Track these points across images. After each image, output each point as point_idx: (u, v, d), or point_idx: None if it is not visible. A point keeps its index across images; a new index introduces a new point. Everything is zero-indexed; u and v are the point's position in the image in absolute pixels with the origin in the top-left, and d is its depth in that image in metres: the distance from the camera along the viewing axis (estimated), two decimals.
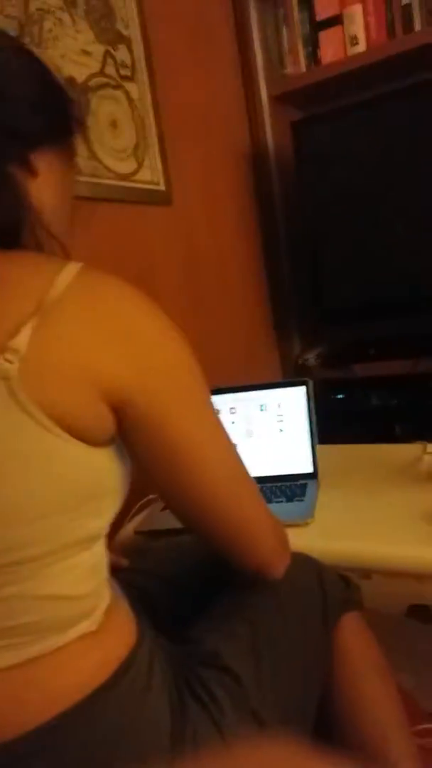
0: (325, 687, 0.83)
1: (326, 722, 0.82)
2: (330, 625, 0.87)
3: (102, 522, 0.63)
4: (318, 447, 1.34)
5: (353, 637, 0.88)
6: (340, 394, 2.35)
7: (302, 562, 0.92)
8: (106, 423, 0.59)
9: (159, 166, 1.90)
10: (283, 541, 0.79)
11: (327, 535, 1.11)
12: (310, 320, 2.46)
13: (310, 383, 1.36)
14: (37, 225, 0.63)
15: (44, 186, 0.66)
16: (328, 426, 1.69)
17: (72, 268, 0.58)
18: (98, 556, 0.64)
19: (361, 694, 0.83)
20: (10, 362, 0.53)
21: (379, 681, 0.86)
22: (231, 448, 0.71)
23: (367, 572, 1.07)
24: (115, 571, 0.73)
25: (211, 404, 0.69)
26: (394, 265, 2.21)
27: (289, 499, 1.24)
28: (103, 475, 0.61)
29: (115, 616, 0.66)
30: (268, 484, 1.32)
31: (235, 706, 0.66)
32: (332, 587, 0.90)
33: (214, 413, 0.70)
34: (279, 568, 0.77)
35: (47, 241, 0.65)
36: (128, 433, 0.62)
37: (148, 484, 1.44)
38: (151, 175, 1.86)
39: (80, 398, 0.56)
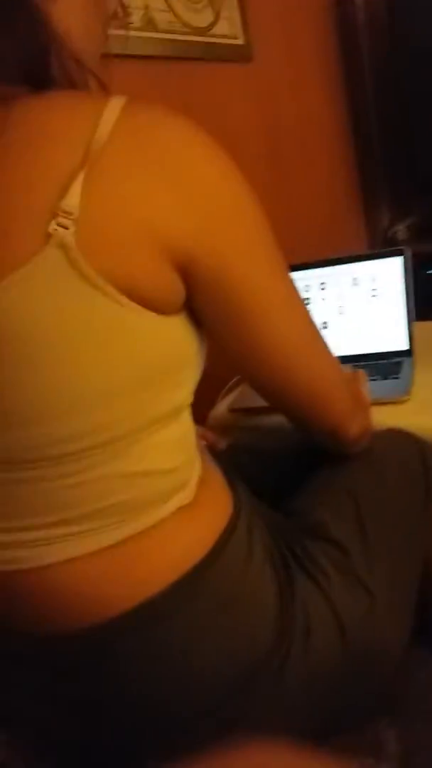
0: (427, 563, 0.80)
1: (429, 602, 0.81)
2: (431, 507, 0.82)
3: (185, 393, 0.60)
4: (418, 325, 1.26)
5: None
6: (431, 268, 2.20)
7: (402, 438, 0.88)
8: (175, 286, 0.55)
9: (238, 17, 1.72)
10: (359, 401, 0.76)
11: (425, 411, 1.07)
12: (402, 189, 2.28)
13: (408, 253, 1.26)
14: (64, 56, 0.55)
15: (69, 7, 0.57)
16: (422, 303, 1.59)
17: (115, 105, 0.50)
18: (185, 426, 0.62)
19: None
20: (66, 227, 0.47)
21: None
22: (301, 305, 0.65)
23: None
24: (215, 451, 0.71)
25: (280, 260, 0.62)
26: None
27: (384, 377, 1.18)
28: (180, 344, 0.57)
29: (210, 487, 0.64)
30: (362, 363, 1.27)
31: (343, 577, 0.64)
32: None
33: (284, 269, 0.63)
34: (354, 428, 0.74)
35: (79, 75, 0.57)
36: (196, 295, 0.57)
37: None
38: (229, 28, 1.69)
39: (143, 261, 0.51)
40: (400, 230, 2.23)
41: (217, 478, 0.67)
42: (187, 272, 0.54)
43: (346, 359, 1.29)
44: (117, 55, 1.38)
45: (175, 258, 0.53)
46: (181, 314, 0.57)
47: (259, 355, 0.62)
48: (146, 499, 0.57)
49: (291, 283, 0.63)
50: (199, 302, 0.57)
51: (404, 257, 1.27)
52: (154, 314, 0.53)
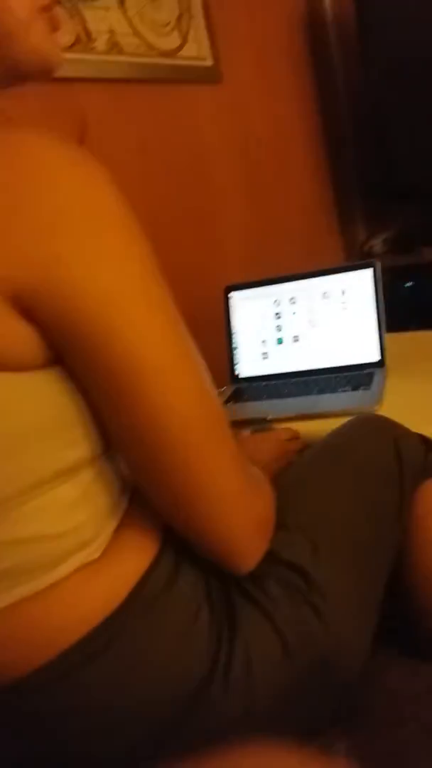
0: (399, 559, 0.76)
1: (402, 597, 0.79)
2: (406, 497, 0.78)
3: (81, 451, 0.54)
4: (386, 335, 1.27)
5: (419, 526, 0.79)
6: (409, 281, 2.22)
7: (377, 428, 0.85)
8: (28, 337, 0.48)
9: (206, 39, 1.74)
10: (262, 524, 0.60)
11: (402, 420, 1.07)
12: (376, 203, 2.30)
13: (378, 265, 1.27)
14: None
15: None
16: (397, 315, 1.59)
17: None
18: (86, 484, 0.55)
19: None
20: None
21: None
22: (201, 375, 0.54)
23: None
24: None
25: (173, 310, 0.52)
26: None
27: (355, 388, 1.18)
28: (55, 401, 0.51)
29: (129, 536, 0.58)
30: (333, 375, 1.27)
31: (291, 598, 0.60)
32: (409, 454, 0.81)
33: (178, 324, 0.53)
34: (248, 560, 0.59)
35: None
36: (59, 347, 0.49)
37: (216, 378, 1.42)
38: (197, 50, 1.72)
39: None
40: (377, 244, 2.24)
41: (140, 523, 0.60)
42: (39, 318, 0.48)
43: (317, 372, 1.29)
44: (83, 79, 1.40)
45: (22, 301, 0.47)
46: (54, 368, 0.51)
47: (133, 434, 0.53)
48: (38, 563, 0.53)
49: (191, 349, 0.53)
50: (66, 352, 0.50)
51: (374, 269, 1.27)
52: (9, 373, 0.48)
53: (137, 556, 0.57)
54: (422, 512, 0.79)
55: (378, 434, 0.83)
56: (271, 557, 0.61)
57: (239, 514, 0.57)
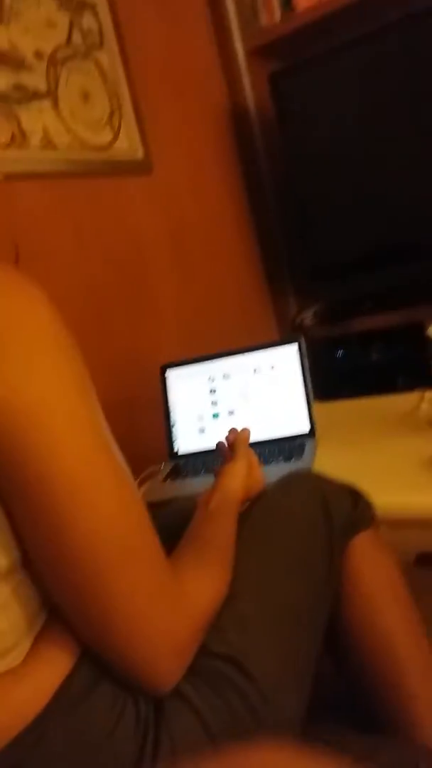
0: (334, 617, 0.78)
1: (338, 655, 0.79)
2: (337, 554, 0.80)
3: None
4: (320, 405, 1.34)
5: (363, 559, 0.82)
6: (340, 351, 2.33)
7: (303, 488, 0.86)
8: None
9: (136, 133, 1.86)
10: (181, 648, 0.59)
11: None
12: (304, 279, 2.43)
13: (302, 340, 1.35)
14: None
15: None
16: (331, 384, 1.68)
17: None
18: (5, 595, 0.55)
19: (372, 621, 0.78)
20: None
21: (393, 605, 0.80)
22: (121, 495, 0.54)
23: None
24: None
25: (100, 431, 0.54)
26: (384, 215, 2.17)
27: (287, 459, 1.24)
28: None
29: (49, 642, 0.57)
30: (267, 447, 1.32)
31: (213, 686, 0.59)
32: (338, 510, 0.82)
33: (104, 445, 0.54)
34: (165, 683, 0.58)
35: None
36: None
37: (148, 455, 1.44)
38: (128, 144, 1.83)
39: None
40: (307, 317, 2.36)
41: (58, 635, 0.59)
42: None
43: (252, 445, 1.34)
44: (19, 175, 1.47)
45: None
46: None
47: (51, 552, 0.53)
48: None
49: (105, 463, 0.54)
50: None
51: (299, 344, 1.35)
52: None
53: (54, 668, 0.56)
54: (352, 569, 0.81)
55: (307, 494, 0.84)
56: (201, 649, 0.62)
57: (155, 637, 0.56)
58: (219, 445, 0.98)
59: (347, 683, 0.81)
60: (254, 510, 0.83)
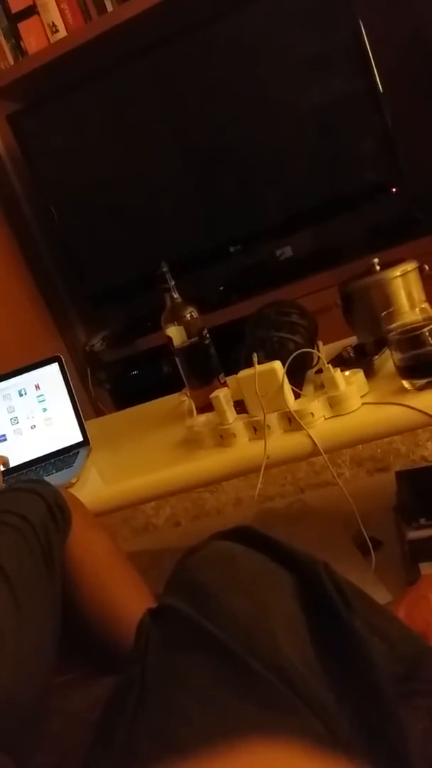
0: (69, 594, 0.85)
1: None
2: (57, 567, 0.83)
3: None
4: (102, 419, 1.37)
5: (79, 543, 0.89)
6: (133, 370, 2.40)
7: (12, 524, 0.85)
8: None
9: None
10: None
11: (98, 483, 1.19)
12: (88, 307, 2.49)
13: (62, 358, 1.39)
14: None
15: None
16: (133, 402, 1.72)
17: None
18: None
19: (100, 583, 0.87)
20: None
21: (113, 567, 0.90)
22: None
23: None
24: None
25: None
26: (149, 235, 2.29)
27: (59, 469, 1.25)
28: None
29: None
30: (44, 463, 1.33)
31: None
32: (43, 527, 0.84)
33: None
34: None
35: None
36: None
37: None
38: None
39: None
40: (97, 343, 2.41)
41: None
42: None
43: (32, 463, 1.35)
44: None
45: None
46: None
47: None
48: None
49: None
50: None
51: (59, 362, 1.39)
52: None
53: None
54: (74, 553, 0.88)
55: (19, 534, 0.83)
56: None
57: None
58: None
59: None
60: None
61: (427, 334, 0.95)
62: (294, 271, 2.22)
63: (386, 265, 1.19)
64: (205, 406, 1.15)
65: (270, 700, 0.48)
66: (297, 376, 1.09)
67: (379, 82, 2.02)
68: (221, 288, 2.36)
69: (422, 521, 1.10)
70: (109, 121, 2.23)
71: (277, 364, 0.99)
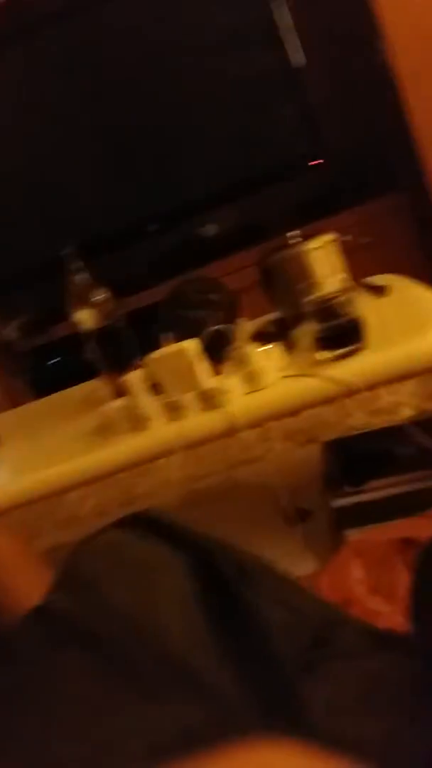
0: None
1: None
2: None
3: None
4: (16, 410, 1.31)
5: None
6: (52, 358, 2.31)
7: None
8: None
9: None
10: None
11: (12, 476, 1.14)
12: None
13: None
14: None
15: None
16: (54, 392, 1.63)
17: None
18: None
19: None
20: None
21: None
22: None
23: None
24: None
25: None
26: (56, 215, 2.19)
27: None
28: None
29: None
30: None
31: None
32: None
33: None
34: None
35: None
36: None
37: None
38: None
39: None
40: (12, 331, 2.30)
41: None
42: None
43: None
44: None
45: None
46: None
47: None
48: None
49: None
50: None
51: None
52: None
53: None
54: None
55: None
56: None
57: None
58: None
59: None
60: None
61: (343, 304, 0.93)
62: (218, 250, 2.17)
63: (309, 239, 1.17)
64: (124, 391, 1.10)
65: (154, 690, 0.46)
66: (219, 354, 1.06)
67: (298, 56, 1.99)
68: (143, 269, 2.28)
69: (347, 489, 1.09)
70: (13, 93, 2.11)
71: (189, 344, 0.95)
